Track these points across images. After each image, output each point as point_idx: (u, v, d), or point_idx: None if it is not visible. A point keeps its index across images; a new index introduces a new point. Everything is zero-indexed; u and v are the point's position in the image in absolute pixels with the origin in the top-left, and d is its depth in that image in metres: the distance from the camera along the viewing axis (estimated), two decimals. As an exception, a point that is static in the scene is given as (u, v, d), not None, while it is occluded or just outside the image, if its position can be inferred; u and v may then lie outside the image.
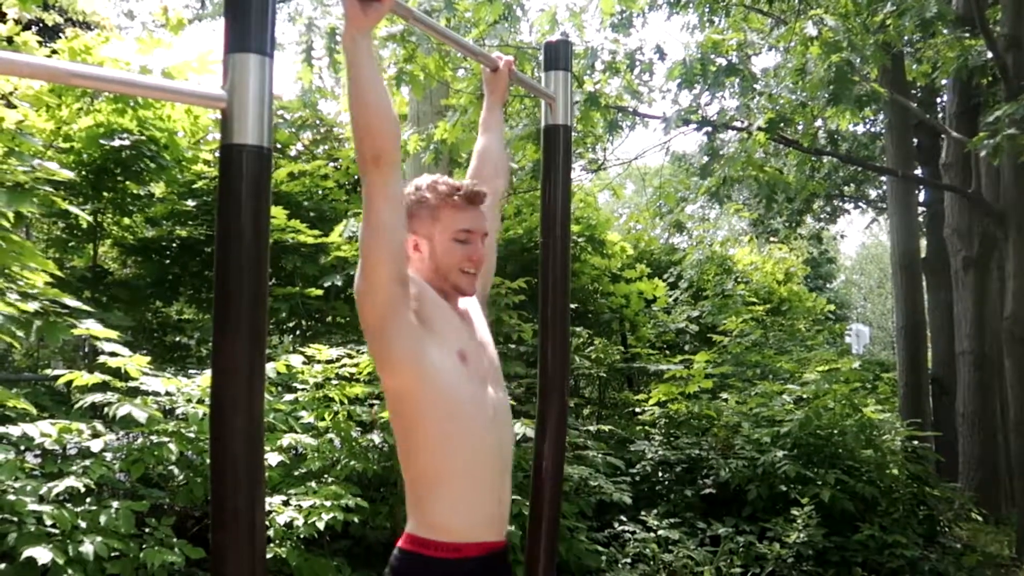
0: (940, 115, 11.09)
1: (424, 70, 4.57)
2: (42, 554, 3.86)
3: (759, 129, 5.64)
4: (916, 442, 7.72)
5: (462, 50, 2.68)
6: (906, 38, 7.49)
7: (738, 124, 6.07)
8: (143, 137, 6.23)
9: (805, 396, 7.64)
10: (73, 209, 4.14)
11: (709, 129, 6.06)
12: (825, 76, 4.67)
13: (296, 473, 5.14)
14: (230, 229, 1.62)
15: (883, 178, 11.65)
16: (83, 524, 4.17)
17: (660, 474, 7.21)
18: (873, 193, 14.54)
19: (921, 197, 11.58)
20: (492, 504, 2.17)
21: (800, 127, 6.69)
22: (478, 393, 2.15)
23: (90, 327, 4.38)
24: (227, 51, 1.66)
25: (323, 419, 5.24)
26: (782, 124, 5.75)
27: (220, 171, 1.67)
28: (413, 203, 2.24)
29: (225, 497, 1.59)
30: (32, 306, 4.18)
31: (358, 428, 5.35)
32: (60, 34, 8.33)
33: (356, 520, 4.81)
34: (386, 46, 4.50)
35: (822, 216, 14.92)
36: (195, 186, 6.95)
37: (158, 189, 6.99)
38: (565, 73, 2.82)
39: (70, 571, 3.94)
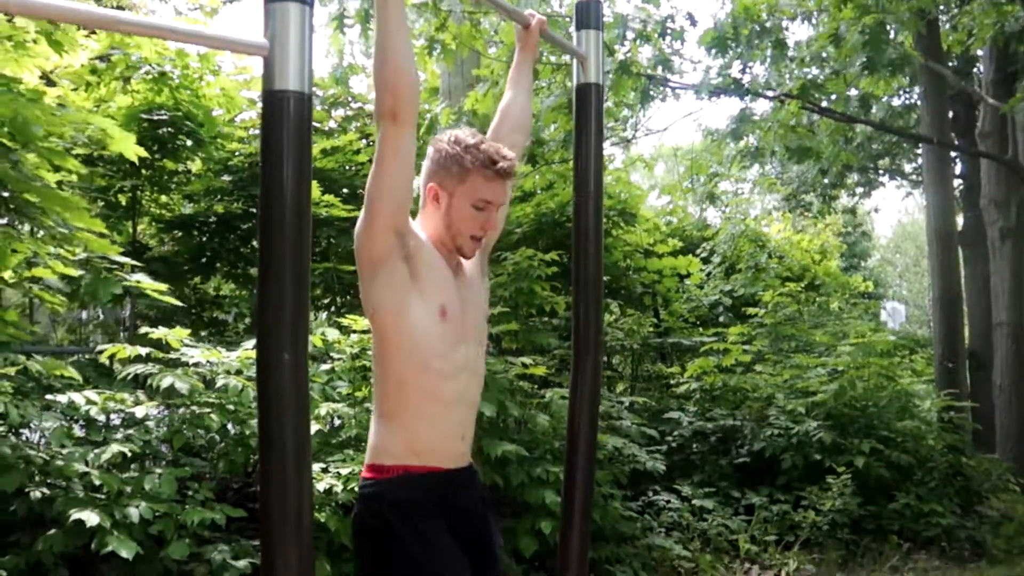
0: (977, 85, 10.94)
1: (456, 39, 4.59)
2: (89, 517, 3.97)
3: (790, 96, 5.60)
4: (952, 413, 7.68)
5: (494, 7, 2.71)
6: (942, 6, 7.39)
7: (770, 93, 6.04)
8: (180, 113, 6.32)
9: (840, 368, 7.61)
10: (127, 151, 4.18)
11: (746, 100, 6.02)
12: (859, 40, 4.63)
13: (333, 442, 5.22)
14: (273, 174, 1.67)
15: (919, 151, 11.51)
16: (128, 489, 4.28)
17: (695, 445, 7.23)
18: (908, 167, 14.37)
19: (957, 170, 11.45)
20: (448, 439, 2.29)
21: (833, 98, 6.64)
22: (450, 348, 2.24)
23: (140, 280, 4.48)
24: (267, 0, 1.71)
25: (360, 390, 5.31)
26: (814, 92, 5.70)
27: (263, 118, 1.72)
28: (447, 156, 2.29)
29: (271, 426, 1.64)
30: (76, 272, 4.28)
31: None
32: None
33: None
34: (421, 17, 4.53)
35: (856, 191, 14.78)
36: (231, 163, 7.03)
37: (195, 166, 7.09)
38: (596, 32, 2.85)
39: (116, 533, 4.05)
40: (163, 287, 4.55)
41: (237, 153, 7.09)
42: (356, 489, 2.32)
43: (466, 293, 2.35)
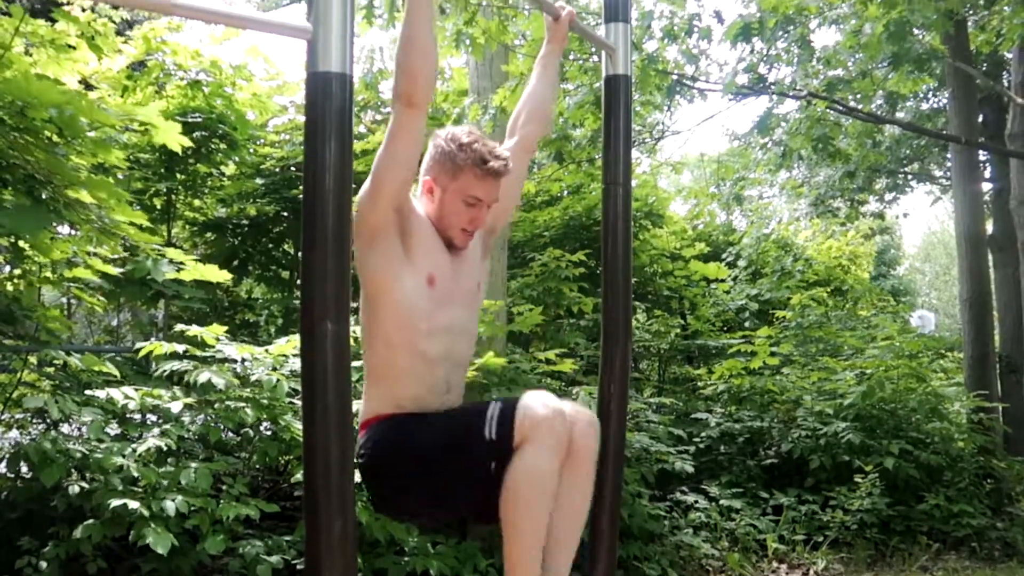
0: (1006, 86, 10.88)
1: (485, 33, 4.68)
2: (129, 504, 4.06)
3: (817, 96, 5.62)
4: (983, 415, 7.63)
5: (526, -2, 2.78)
6: (969, 7, 7.37)
7: (795, 92, 6.06)
8: (213, 116, 6.44)
9: (869, 371, 7.59)
10: (172, 142, 4.30)
11: (772, 100, 6.03)
12: (883, 32, 4.65)
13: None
14: (317, 149, 1.75)
15: (948, 155, 11.45)
16: (164, 483, 4.37)
17: (722, 446, 7.24)
18: (938, 172, 14.27)
19: (987, 174, 11.37)
20: (433, 392, 2.39)
21: (860, 97, 6.64)
22: (434, 310, 2.35)
23: (186, 265, 4.60)
24: (311, -14, 1.78)
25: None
26: (841, 90, 5.72)
27: (307, 98, 1.80)
28: (442, 152, 2.41)
29: (315, 394, 1.71)
30: (118, 270, 4.39)
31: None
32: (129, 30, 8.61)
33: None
34: (447, 5, 4.61)
35: (884, 197, 14.67)
36: (263, 167, 7.14)
37: (228, 170, 7.22)
38: (625, 24, 2.92)
39: (153, 525, 4.14)
40: (215, 269, 4.69)
41: (269, 157, 7.20)
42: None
43: (459, 264, 2.46)
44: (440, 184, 2.39)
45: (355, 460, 2.36)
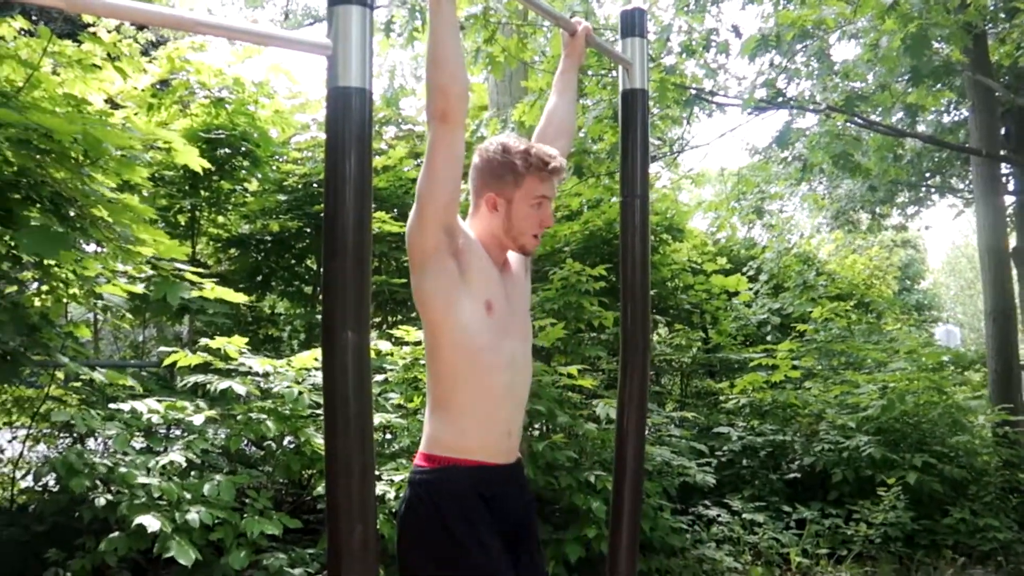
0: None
1: (504, 51, 4.73)
2: (151, 522, 4.10)
3: (836, 110, 5.63)
4: (1007, 428, 7.56)
5: (542, 13, 2.82)
6: (988, 20, 7.36)
7: (815, 106, 6.07)
8: (236, 133, 6.52)
9: (891, 384, 7.55)
10: (192, 163, 4.37)
11: (791, 113, 6.04)
12: (901, 45, 4.66)
13: (387, 452, 5.32)
14: (337, 163, 1.78)
15: (970, 168, 11.39)
16: (188, 496, 4.41)
17: (744, 460, 7.22)
18: (960, 185, 14.20)
19: (1009, 187, 11.30)
20: (496, 435, 2.37)
21: (879, 111, 6.63)
22: (496, 341, 2.33)
23: (204, 286, 4.66)
24: (331, 3, 1.83)
25: (412, 400, 5.40)
26: (859, 103, 5.72)
27: (327, 114, 1.83)
28: (499, 164, 2.39)
29: (336, 403, 1.74)
30: (140, 287, 4.45)
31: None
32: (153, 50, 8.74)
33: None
34: (466, 25, 4.67)
35: (907, 211, 14.63)
36: (285, 183, 7.22)
37: (251, 186, 7.30)
38: (641, 39, 2.95)
39: (176, 538, 4.18)
40: (230, 292, 4.74)
41: (292, 174, 7.28)
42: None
43: (512, 291, 2.45)
44: (505, 196, 2.38)
45: (404, 496, 2.38)
